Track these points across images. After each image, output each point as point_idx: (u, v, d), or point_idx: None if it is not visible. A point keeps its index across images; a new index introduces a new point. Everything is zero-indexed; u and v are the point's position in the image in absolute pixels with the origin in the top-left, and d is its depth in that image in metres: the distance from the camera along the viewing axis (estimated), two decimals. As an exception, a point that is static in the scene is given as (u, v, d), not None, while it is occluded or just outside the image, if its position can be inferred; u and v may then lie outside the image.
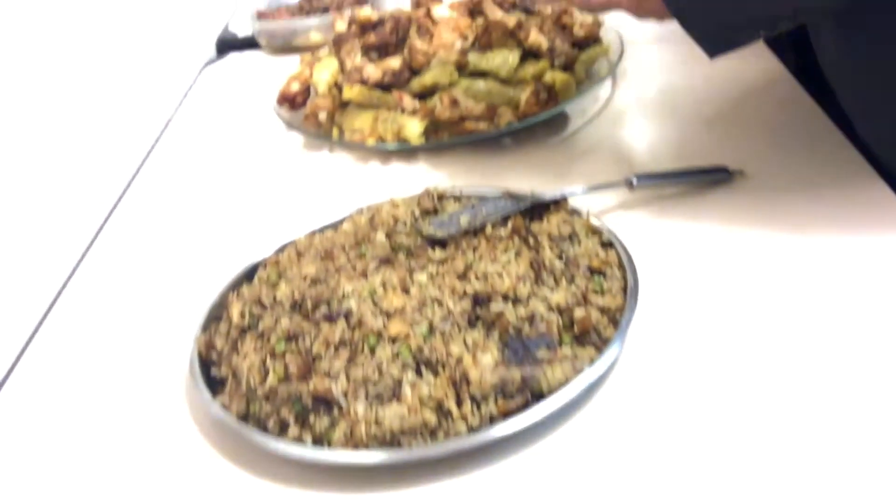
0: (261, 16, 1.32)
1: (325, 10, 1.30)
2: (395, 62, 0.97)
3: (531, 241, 0.65)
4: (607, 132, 0.95)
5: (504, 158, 0.93)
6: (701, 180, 0.80)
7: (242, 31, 1.40)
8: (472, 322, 0.58)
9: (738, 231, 0.74)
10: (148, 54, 1.13)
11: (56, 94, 0.89)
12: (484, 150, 0.94)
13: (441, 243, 0.68)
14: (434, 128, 0.94)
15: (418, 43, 0.96)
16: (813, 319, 0.62)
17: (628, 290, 0.62)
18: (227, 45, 1.38)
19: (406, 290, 0.60)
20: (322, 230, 0.76)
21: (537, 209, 0.73)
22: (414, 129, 0.93)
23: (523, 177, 0.87)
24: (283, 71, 1.15)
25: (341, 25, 1.02)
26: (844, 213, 0.74)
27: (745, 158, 0.83)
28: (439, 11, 1.02)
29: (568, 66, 0.99)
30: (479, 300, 0.58)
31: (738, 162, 0.82)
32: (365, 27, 1.00)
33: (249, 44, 1.35)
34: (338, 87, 1.00)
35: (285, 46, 1.29)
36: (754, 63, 1.02)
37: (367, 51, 0.99)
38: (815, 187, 0.78)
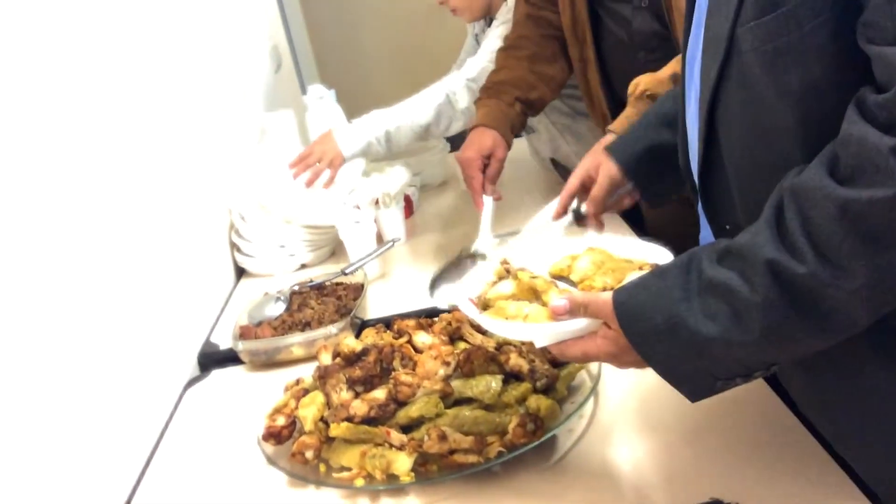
0: (243, 332, 1.35)
1: (307, 324, 1.34)
2: (380, 394, 0.99)
3: None
4: (595, 455, 0.95)
5: (495, 488, 0.92)
6: (699, 519, 0.79)
7: (224, 341, 1.43)
8: None
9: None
10: (131, 375, 1.13)
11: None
12: (474, 479, 0.93)
13: None
14: (423, 459, 0.94)
15: (403, 376, 0.98)
16: None
17: None
18: (210, 359, 1.40)
19: None
20: None
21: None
22: (403, 465, 0.92)
23: (518, 513, 0.87)
24: (266, 388, 1.16)
25: (326, 358, 1.05)
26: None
27: (735, 482, 0.84)
28: (421, 339, 1.06)
29: (550, 386, 1.01)
30: None
31: (728, 487, 0.83)
32: (349, 359, 1.03)
33: (232, 357, 1.37)
34: (324, 421, 1.00)
35: (268, 362, 1.31)
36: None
37: (352, 384, 1.00)
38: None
